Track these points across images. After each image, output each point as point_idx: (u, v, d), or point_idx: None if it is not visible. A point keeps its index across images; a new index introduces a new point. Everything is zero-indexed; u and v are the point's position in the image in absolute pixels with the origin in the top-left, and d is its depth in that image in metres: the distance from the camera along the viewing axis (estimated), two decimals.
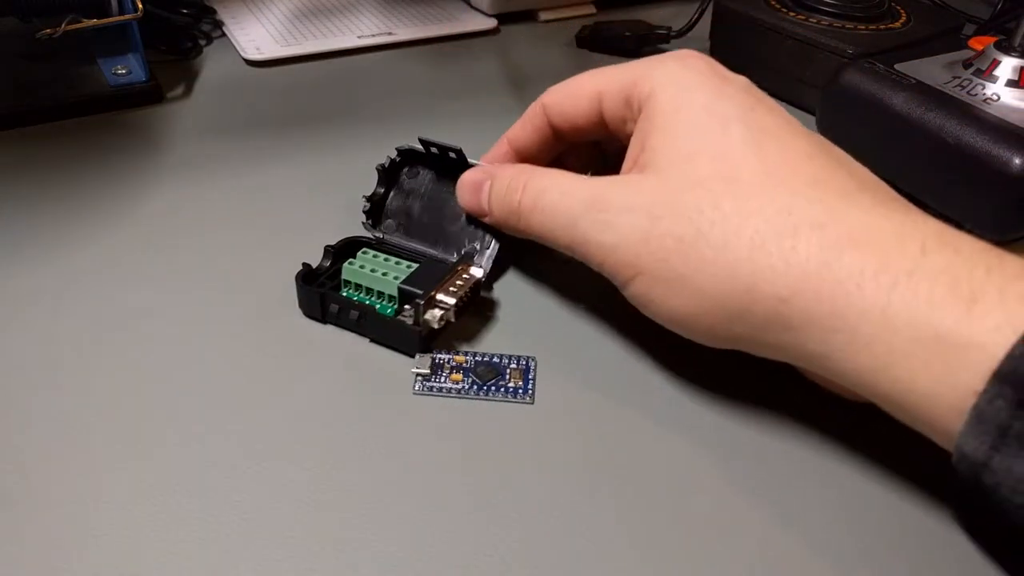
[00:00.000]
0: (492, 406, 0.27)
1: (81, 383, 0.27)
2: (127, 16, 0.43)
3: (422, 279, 0.30)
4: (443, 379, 0.28)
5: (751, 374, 0.29)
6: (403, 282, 0.30)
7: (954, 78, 0.39)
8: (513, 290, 0.32)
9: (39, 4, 0.43)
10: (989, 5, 0.56)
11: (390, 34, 0.54)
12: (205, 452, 0.25)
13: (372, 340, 0.30)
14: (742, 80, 0.28)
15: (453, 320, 0.29)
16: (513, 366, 0.29)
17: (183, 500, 0.24)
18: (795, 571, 0.23)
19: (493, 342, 0.30)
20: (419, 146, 0.33)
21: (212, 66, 0.49)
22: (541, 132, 0.32)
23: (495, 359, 0.29)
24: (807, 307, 0.23)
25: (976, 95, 0.38)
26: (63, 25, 0.42)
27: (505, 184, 0.30)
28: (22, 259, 0.33)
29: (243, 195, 0.37)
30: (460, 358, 0.29)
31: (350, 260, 0.31)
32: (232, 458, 0.25)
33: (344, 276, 0.31)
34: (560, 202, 0.28)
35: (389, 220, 0.34)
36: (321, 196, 0.37)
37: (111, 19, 0.43)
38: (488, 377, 0.28)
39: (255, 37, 0.52)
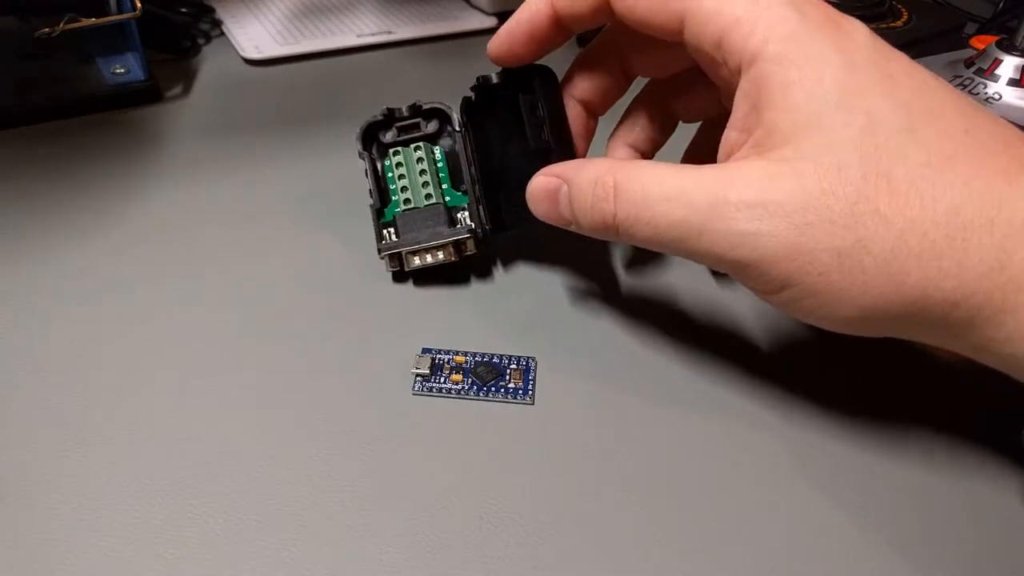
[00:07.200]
0: (492, 406, 0.27)
1: (80, 382, 0.27)
2: (126, 15, 0.42)
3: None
4: (443, 379, 0.28)
5: (753, 376, 0.29)
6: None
7: (956, 77, 0.39)
8: (513, 290, 0.32)
9: (38, 2, 0.43)
10: (991, 4, 0.56)
11: (389, 33, 0.54)
12: (202, 451, 0.25)
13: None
14: (862, 31, 0.23)
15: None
16: (513, 366, 0.29)
17: (181, 500, 0.24)
18: (797, 573, 0.23)
19: (493, 342, 0.30)
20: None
21: (211, 65, 0.49)
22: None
23: (495, 359, 0.29)
24: (979, 306, 0.22)
25: (978, 94, 0.38)
26: (61, 24, 0.42)
27: (589, 192, 0.25)
28: (20, 258, 0.32)
29: (242, 194, 0.37)
30: (460, 358, 0.29)
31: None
32: (229, 458, 0.25)
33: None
34: (671, 212, 0.23)
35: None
36: (320, 195, 0.37)
37: (110, 18, 0.43)
38: (488, 377, 0.28)
39: (254, 36, 0.52)
